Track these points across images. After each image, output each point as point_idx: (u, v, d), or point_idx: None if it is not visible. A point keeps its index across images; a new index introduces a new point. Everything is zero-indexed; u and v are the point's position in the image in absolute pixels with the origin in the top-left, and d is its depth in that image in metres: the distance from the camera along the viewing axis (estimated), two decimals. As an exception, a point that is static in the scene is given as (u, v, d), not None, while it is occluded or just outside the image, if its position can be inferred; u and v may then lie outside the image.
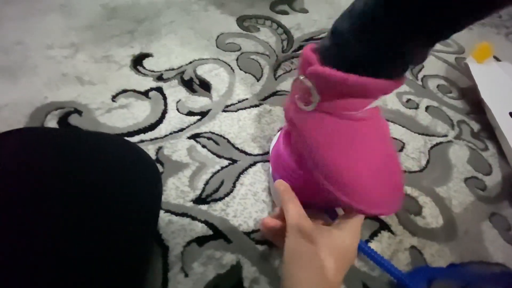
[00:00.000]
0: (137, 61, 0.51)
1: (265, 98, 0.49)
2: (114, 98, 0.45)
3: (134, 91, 0.46)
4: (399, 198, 0.28)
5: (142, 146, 0.40)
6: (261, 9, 0.68)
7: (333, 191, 0.27)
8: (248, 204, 0.37)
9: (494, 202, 0.43)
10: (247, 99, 0.48)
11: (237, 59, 0.54)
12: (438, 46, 0.68)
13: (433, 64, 0.63)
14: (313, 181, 0.30)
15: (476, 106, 0.55)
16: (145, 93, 0.46)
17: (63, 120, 0.41)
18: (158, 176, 0.31)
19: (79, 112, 0.42)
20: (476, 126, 0.53)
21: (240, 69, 0.53)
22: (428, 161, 0.45)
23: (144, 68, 0.50)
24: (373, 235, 0.36)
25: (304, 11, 0.70)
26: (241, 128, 0.44)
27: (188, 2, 0.65)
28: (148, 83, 0.48)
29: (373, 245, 0.36)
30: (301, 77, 0.27)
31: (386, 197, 0.27)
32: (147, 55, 0.52)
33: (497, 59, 0.69)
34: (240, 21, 0.63)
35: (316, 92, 0.26)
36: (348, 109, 0.26)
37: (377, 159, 0.27)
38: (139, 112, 0.44)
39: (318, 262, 0.25)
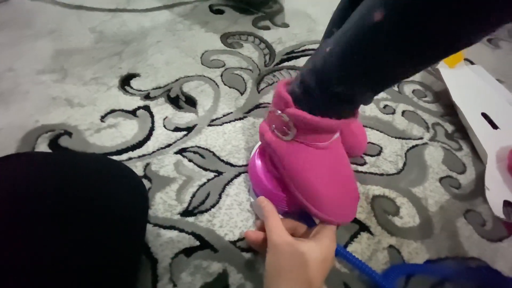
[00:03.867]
0: (125, 82, 0.53)
1: (249, 111, 0.51)
2: (102, 118, 0.47)
3: (122, 110, 0.48)
4: (356, 207, 0.35)
5: (131, 163, 0.42)
6: (244, 25, 0.71)
7: (308, 205, 0.32)
8: (234, 214, 0.39)
9: (468, 199, 0.45)
10: (231, 112, 0.51)
11: (221, 75, 0.57)
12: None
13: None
14: (288, 198, 0.35)
15: (450, 108, 0.58)
16: (133, 112, 0.48)
17: (53, 142, 0.43)
18: (144, 191, 0.33)
19: (69, 134, 0.44)
20: (450, 128, 0.55)
21: (225, 84, 0.55)
22: (404, 164, 0.48)
23: (131, 88, 0.52)
24: (353, 236, 0.38)
25: (285, 25, 0.73)
26: (226, 141, 0.46)
27: (173, 22, 0.68)
28: (135, 102, 0.50)
29: (353, 246, 0.37)
30: (279, 112, 0.32)
31: (348, 209, 0.33)
32: (134, 75, 0.54)
33: (470, 62, 0.73)
34: (224, 38, 0.66)
35: (293, 127, 0.31)
36: (317, 141, 0.32)
37: (340, 179, 0.33)
38: (127, 130, 0.46)
39: (298, 274, 0.27)
